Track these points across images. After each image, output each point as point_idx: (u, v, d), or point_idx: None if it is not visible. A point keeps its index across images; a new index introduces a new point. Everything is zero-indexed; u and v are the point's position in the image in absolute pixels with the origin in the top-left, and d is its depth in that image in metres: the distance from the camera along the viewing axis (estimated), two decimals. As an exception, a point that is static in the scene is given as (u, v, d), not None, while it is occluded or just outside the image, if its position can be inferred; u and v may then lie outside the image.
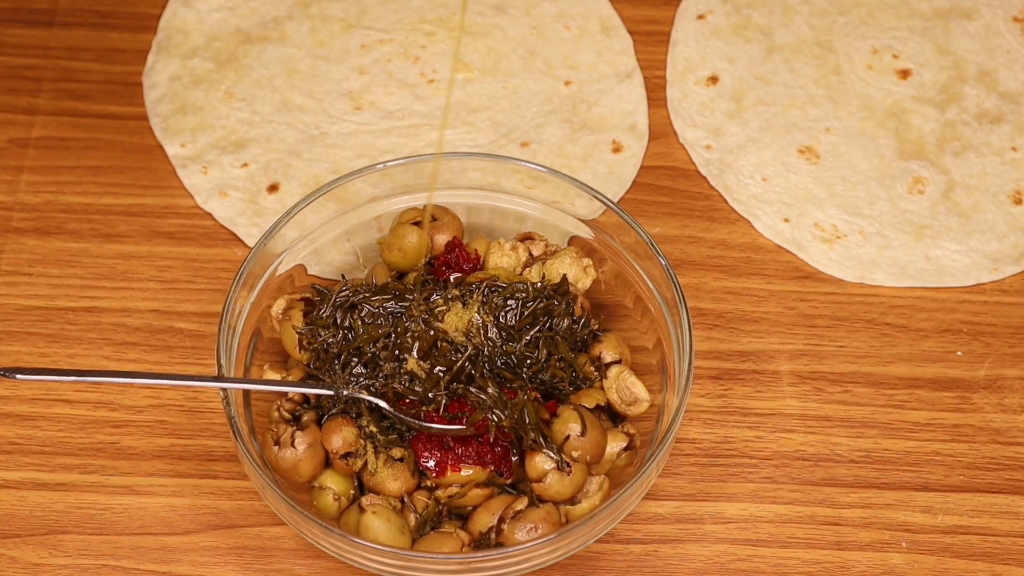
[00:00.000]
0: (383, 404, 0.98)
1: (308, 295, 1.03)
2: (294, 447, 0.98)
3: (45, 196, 1.16)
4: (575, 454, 0.97)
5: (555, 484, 0.97)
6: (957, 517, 1.04)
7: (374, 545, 0.94)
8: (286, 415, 1.00)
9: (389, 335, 0.98)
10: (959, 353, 1.11)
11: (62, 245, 1.14)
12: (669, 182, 1.18)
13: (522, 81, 1.22)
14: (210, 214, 1.15)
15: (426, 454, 0.98)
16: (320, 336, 1.00)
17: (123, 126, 1.19)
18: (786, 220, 1.16)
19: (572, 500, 0.97)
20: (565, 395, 1.00)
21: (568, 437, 0.97)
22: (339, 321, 0.99)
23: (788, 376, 1.09)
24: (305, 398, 1.00)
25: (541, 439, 0.97)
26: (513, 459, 0.98)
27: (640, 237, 1.03)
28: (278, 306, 1.03)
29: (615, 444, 0.99)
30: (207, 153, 1.18)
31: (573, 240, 1.07)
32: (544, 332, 1.00)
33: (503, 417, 0.96)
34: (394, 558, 0.93)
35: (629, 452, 1.00)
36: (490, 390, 0.97)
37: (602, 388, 1.01)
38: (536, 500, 0.97)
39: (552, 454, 0.97)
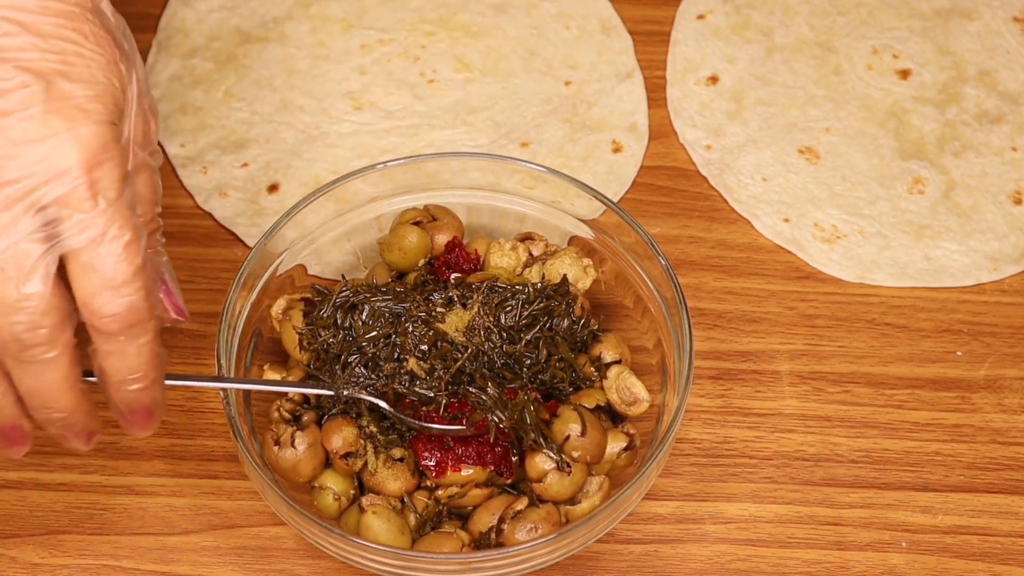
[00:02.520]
0: (383, 404, 0.98)
1: (308, 295, 1.03)
2: (294, 447, 0.98)
3: (45, 196, 1.16)
4: (575, 454, 0.97)
5: (555, 484, 0.97)
6: (957, 517, 1.04)
7: (374, 545, 0.94)
8: (286, 415, 1.00)
9: (389, 335, 0.98)
10: (959, 353, 1.11)
11: (62, 245, 1.13)
12: (669, 182, 1.18)
13: (522, 81, 1.22)
14: (210, 214, 1.15)
15: (426, 454, 0.98)
16: (320, 336, 0.99)
17: (123, 126, 1.19)
18: (786, 220, 1.16)
19: (572, 500, 0.97)
20: (565, 395, 1.00)
21: (568, 437, 0.97)
22: (339, 322, 0.99)
23: (788, 376, 1.09)
24: (305, 398, 1.00)
25: (541, 439, 0.97)
26: (513, 459, 0.98)
27: (640, 237, 1.03)
28: (278, 306, 1.03)
29: (615, 444, 0.99)
30: (207, 153, 1.18)
31: (573, 240, 1.07)
32: (544, 332, 1.00)
33: (503, 418, 0.96)
34: (394, 558, 0.93)
35: (629, 452, 1.00)
36: (490, 390, 0.97)
37: (602, 388, 1.01)
38: (536, 500, 0.97)
39: (552, 454, 0.97)
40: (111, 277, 0.83)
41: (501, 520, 0.96)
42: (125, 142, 0.85)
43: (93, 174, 0.82)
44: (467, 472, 0.97)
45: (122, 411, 0.89)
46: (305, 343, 1.00)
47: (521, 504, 0.96)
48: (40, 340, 0.84)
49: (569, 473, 0.97)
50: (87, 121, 0.83)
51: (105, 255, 0.83)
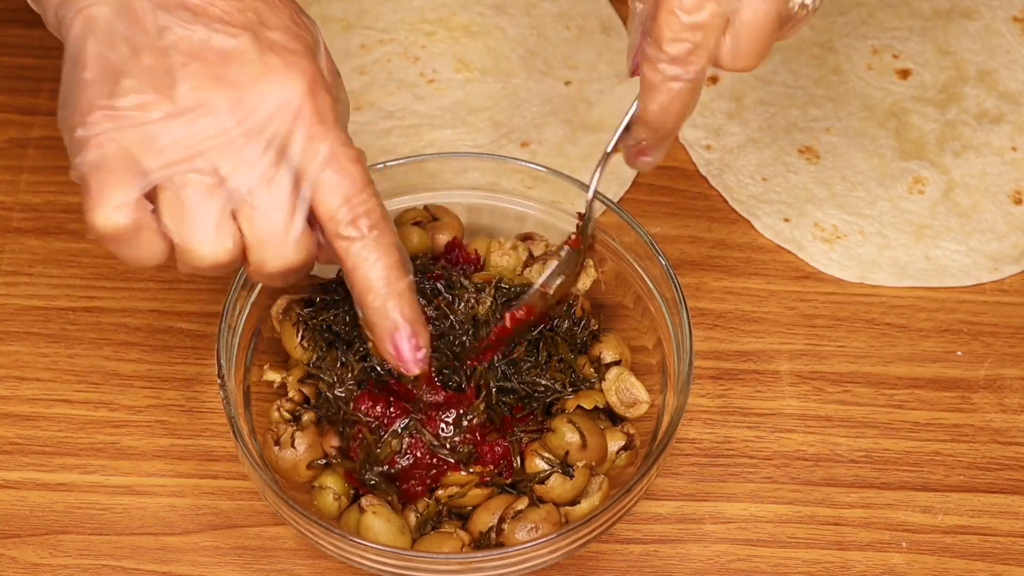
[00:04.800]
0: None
1: (308, 295, 1.03)
2: (294, 447, 0.98)
3: (45, 196, 1.16)
4: (579, 464, 0.97)
5: (557, 487, 0.97)
6: (957, 517, 1.04)
7: (374, 545, 0.94)
8: (286, 415, 1.00)
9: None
10: (959, 353, 1.11)
11: (62, 245, 1.14)
12: (669, 182, 1.18)
13: (522, 81, 1.22)
14: (210, 214, 1.15)
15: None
16: (321, 316, 0.99)
17: (123, 126, 1.19)
18: (786, 220, 1.16)
19: (574, 502, 0.97)
20: (564, 396, 1.00)
21: (568, 453, 0.97)
22: (340, 300, 0.99)
23: (788, 376, 1.09)
24: (305, 398, 1.00)
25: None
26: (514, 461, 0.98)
27: (640, 237, 1.03)
28: (278, 306, 1.03)
29: (614, 443, 0.99)
30: (207, 153, 1.18)
31: (573, 240, 1.07)
32: (544, 333, 1.00)
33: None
34: (394, 558, 0.93)
35: (629, 452, 1.00)
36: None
37: (601, 390, 1.01)
38: (536, 500, 0.97)
39: (554, 466, 0.97)
40: (350, 187, 0.88)
41: (501, 520, 0.96)
42: (325, 74, 0.90)
43: (316, 100, 0.87)
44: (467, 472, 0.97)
45: (383, 333, 0.92)
46: (303, 328, 1.00)
47: (521, 504, 0.96)
48: (306, 267, 0.91)
49: (572, 477, 0.97)
50: (297, 56, 0.88)
51: (340, 171, 0.88)
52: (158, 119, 0.85)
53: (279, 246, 0.88)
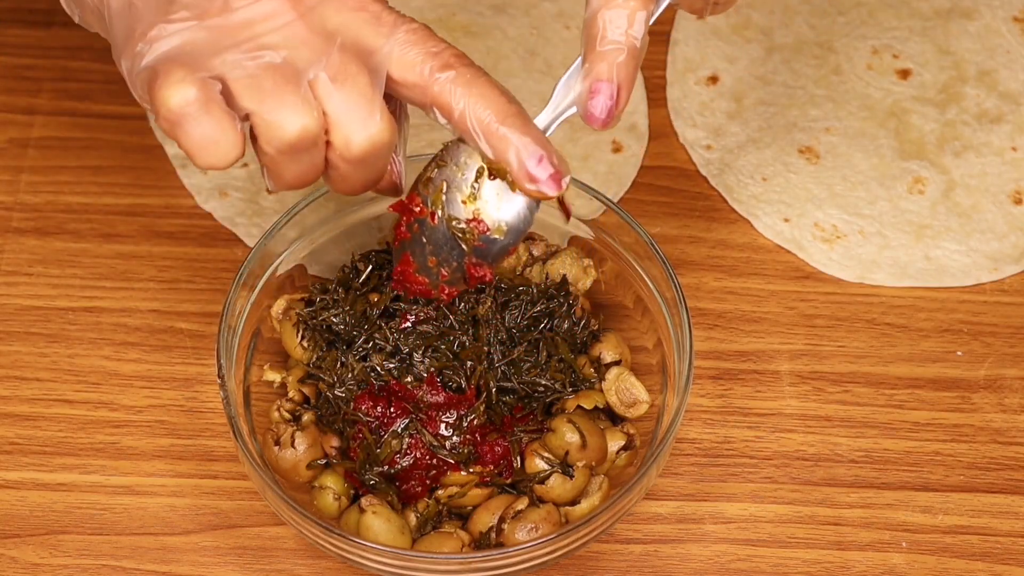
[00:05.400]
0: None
1: (308, 295, 1.03)
2: (294, 447, 0.98)
3: (45, 196, 1.16)
4: (579, 464, 0.97)
5: (557, 487, 0.97)
6: (957, 517, 1.04)
7: (374, 545, 0.94)
8: (286, 415, 1.00)
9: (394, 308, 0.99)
10: (959, 353, 1.11)
11: (62, 245, 1.14)
12: (669, 182, 1.18)
13: (522, 81, 1.22)
14: (210, 214, 1.15)
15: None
16: (321, 316, 0.99)
17: (123, 126, 1.19)
18: (786, 220, 1.16)
19: (574, 502, 0.97)
20: (564, 396, 1.00)
21: (568, 453, 0.97)
22: (340, 300, 0.99)
23: (788, 376, 1.09)
24: (305, 398, 1.00)
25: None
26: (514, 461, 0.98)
27: (640, 237, 1.03)
28: (278, 306, 1.03)
29: (614, 443, 0.99)
30: (207, 153, 1.17)
31: (573, 240, 1.07)
32: (544, 333, 1.00)
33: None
34: (394, 558, 0.93)
35: (629, 452, 1.00)
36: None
37: (601, 390, 1.01)
38: (536, 500, 0.97)
39: (555, 466, 0.97)
40: (427, 42, 0.88)
41: (501, 520, 0.96)
42: None
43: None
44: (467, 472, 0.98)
45: (516, 158, 0.90)
46: (304, 326, 1.00)
47: (521, 504, 0.96)
48: (389, 150, 0.89)
49: (572, 477, 0.97)
50: None
51: (412, 31, 0.88)
52: (215, 17, 0.85)
53: (365, 116, 0.85)
